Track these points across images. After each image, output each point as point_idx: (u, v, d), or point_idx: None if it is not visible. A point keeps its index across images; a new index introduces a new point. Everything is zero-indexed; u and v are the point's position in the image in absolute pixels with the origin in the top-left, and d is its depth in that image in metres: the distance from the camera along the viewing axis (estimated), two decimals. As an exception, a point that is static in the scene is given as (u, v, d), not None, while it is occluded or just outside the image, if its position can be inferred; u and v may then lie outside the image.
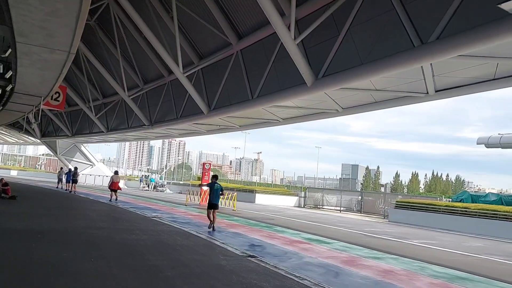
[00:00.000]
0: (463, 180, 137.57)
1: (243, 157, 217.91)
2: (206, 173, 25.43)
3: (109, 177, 23.38)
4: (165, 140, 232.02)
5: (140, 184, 47.14)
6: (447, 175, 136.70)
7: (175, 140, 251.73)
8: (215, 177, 13.33)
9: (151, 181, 47.03)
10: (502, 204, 31.81)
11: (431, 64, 10.78)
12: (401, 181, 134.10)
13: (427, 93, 12.45)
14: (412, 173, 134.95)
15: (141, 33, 22.99)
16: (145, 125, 26.36)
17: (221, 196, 13.53)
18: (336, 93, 14.83)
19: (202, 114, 20.78)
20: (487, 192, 34.53)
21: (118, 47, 23.97)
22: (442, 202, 22.48)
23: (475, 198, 34.46)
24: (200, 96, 20.26)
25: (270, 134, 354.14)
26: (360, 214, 29.79)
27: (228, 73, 18.59)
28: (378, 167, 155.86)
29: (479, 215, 19.04)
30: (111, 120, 31.42)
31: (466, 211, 19.68)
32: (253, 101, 16.91)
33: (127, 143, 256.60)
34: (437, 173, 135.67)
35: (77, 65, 30.68)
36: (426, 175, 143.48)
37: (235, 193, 23.25)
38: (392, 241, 13.66)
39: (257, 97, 16.65)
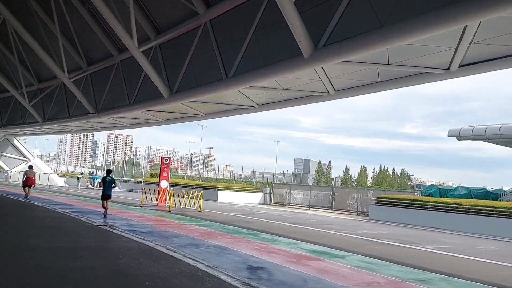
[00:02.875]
0: (408, 173, 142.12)
1: (193, 153, 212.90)
2: (165, 169, 22.06)
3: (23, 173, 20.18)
4: (111, 135, 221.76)
5: (78, 183, 41.10)
6: (393, 169, 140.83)
7: (122, 135, 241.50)
8: (108, 171, 15.29)
9: (94, 179, 41.52)
10: (471, 197, 31.04)
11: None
12: (351, 175, 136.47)
13: (448, 69, 10.13)
14: (361, 167, 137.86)
15: (85, 3, 19.21)
16: (89, 113, 22.47)
17: (113, 188, 14.98)
18: (334, 70, 12.22)
19: (161, 98, 17.40)
20: (455, 186, 33.80)
21: (56, 21, 19.98)
22: (429, 198, 20.71)
23: (443, 192, 33.63)
24: (160, 76, 16.91)
25: (220, 130, 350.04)
26: (332, 212, 27.66)
27: (194, 49, 15.39)
28: (329, 162, 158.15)
29: (472, 212, 17.27)
30: (48, 108, 27.01)
31: (457, 207, 17.88)
32: (228, 81, 13.86)
33: (69, 137, 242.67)
34: (384, 167, 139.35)
35: (6, 44, 26.04)
36: (374, 169, 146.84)
37: (201, 192, 20.10)
38: (405, 248, 11.26)
39: (234, 75, 13.65)
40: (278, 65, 11.72)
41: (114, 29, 16.00)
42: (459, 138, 29.23)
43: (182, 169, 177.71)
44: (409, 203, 20.01)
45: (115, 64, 20.80)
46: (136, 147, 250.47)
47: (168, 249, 8.52)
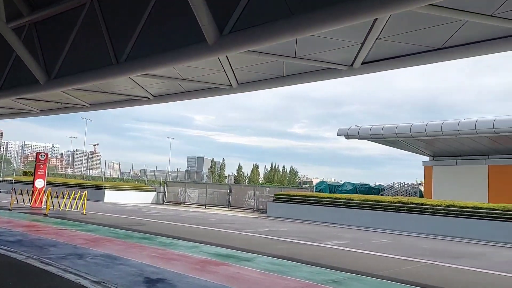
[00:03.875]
0: (296, 171, 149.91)
1: (76, 150, 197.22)
2: (41, 166, 19.28)
3: None
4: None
5: None
6: (283, 167, 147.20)
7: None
8: None
9: None
10: (357, 192, 33.14)
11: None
12: (244, 173, 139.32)
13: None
14: (253, 165, 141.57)
15: None
16: None
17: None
18: (239, 60, 11.47)
19: (36, 84, 14.81)
20: (342, 182, 35.78)
21: None
22: (324, 194, 21.26)
23: (332, 187, 35.37)
24: (35, 59, 14.49)
25: (107, 125, 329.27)
26: (229, 210, 27.12)
27: (78, 30, 13.41)
28: (223, 160, 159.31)
29: (363, 207, 18.06)
30: None
31: (349, 203, 18.56)
32: (118, 67, 12.17)
33: None
34: (275, 165, 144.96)
35: None
36: (265, 166, 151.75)
37: (85, 192, 17.89)
38: (309, 246, 11.00)
39: (126, 61, 12.10)
40: (178, 52, 10.52)
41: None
42: (347, 137, 30.83)
43: (62, 167, 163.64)
44: (305, 199, 20.30)
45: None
46: (7, 143, 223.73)
47: (42, 263, 6.95)
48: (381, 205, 17.45)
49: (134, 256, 7.99)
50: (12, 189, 18.20)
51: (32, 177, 20.63)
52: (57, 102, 18.51)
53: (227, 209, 27.67)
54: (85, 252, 8.15)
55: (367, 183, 34.67)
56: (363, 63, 10.02)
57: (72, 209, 17.54)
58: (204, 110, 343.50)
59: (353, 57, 9.97)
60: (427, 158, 32.82)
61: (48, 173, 20.49)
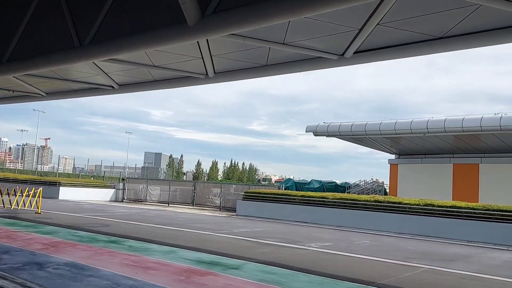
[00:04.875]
0: (255, 168, 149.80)
1: (26, 144, 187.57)
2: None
3: None
4: None
5: None
6: (243, 164, 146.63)
7: None
8: None
9: None
10: (323, 190, 32.92)
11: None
12: (203, 169, 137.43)
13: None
14: (212, 161, 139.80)
15: None
16: None
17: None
18: (219, 46, 10.51)
19: (-15, 69, 13.31)
20: (309, 180, 35.46)
21: None
22: (297, 192, 20.61)
23: (299, 185, 35.01)
24: (-17, 39, 12.83)
25: (59, 119, 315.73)
26: (194, 208, 26.00)
27: (35, 8, 11.96)
28: (181, 156, 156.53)
29: (337, 206, 17.56)
30: None
31: (323, 201, 18.02)
32: (81, 49, 10.87)
33: None
34: (234, 162, 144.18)
35: None
36: (225, 163, 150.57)
37: (40, 188, 16.25)
38: (293, 250, 10.23)
39: (91, 43, 10.80)
40: (153, 33, 9.35)
41: None
42: (316, 133, 30.48)
43: (11, 162, 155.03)
44: (277, 198, 19.59)
45: None
46: None
47: (-6, 276, 5.75)
48: (356, 204, 17.02)
49: (105, 265, 6.89)
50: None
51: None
52: (9, 90, 16.72)
53: (192, 207, 26.54)
54: (46, 261, 6.96)
55: (333, 181, 34.54)
56: (356, 52, 9.32)
57: (26, 208, 15.89)
58: (162, 105, 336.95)
59: (345, 46, 9.23)
60: (392, 156, 33.12)
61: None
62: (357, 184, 34.72)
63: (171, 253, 8.44)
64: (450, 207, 14.15)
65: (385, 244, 12.14)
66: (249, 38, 9.23)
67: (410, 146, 29.70)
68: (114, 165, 55.67)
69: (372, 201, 16.47)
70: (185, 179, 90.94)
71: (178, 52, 10.91)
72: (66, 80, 14.66)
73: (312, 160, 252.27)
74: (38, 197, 15.65)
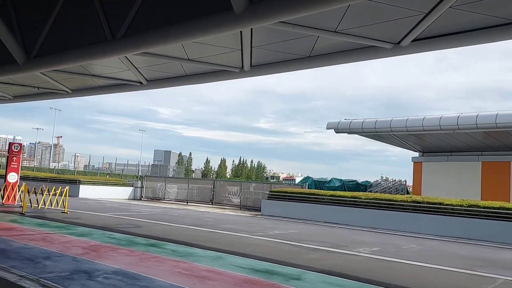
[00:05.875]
0: (264, 165, 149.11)
1: (38, 142, 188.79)
2: (15, 158, 17.00)
3: None
4: None
5: None
6: (251, 161, 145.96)
7: None
8: None
9: None
10: (344, 189, 32.21)
11: None
12: (211, 167, 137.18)
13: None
14: (221, 159, 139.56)
15: None
16: None
17: None
18: (262, 35, 9.86)
19: (13, 65, 12.63)
20: (329, 178, 34.74)
21: None
22: (326, 191, 19.91)
23: (318, 183, 34.32)
24: (12, 34, 12.33)
25: (69, 117, 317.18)
26: (214, 207, 25.47)
27: (63, 2, 11.43)
28: (190, 153, 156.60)
29: (371, 206, 16.85)
30: None
31: (355, 201, 17.33)
32: (114, 43, 10.33)
33: None
34: (243, 159, 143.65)
35: None
36: (233, 161, 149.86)
37: (67, 187, 15.79)
38: (345, 256, 9.60)
39: (124, 36, 10.22)
40: (196, 22, 8.75)
41: None
42: (337, 130, 29.77)
43: (25, 160, 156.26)
44: (305, 197, 18.95)
45: None
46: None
47: (43, 286, 5.21)
48: (392, 204, 16.29)
49: (156, 273, 6.33)
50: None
51: (4, 170, 18.26)
52: (34, 87, 16.32)
53: (211, 206, 26.02)
54: (92, 268, 6.42)
55: (354, 179, 33.79)
56: (415, 40, 8.62)
57: (52, 207, 15.44)
58: (169, 103, 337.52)
59: (404, 33, 8.52)
60: (415, 154, 32.25)
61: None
62: (379, 183, 33.92)
63: (218, 259, 7.86)
64: (498, 208, 13.37)
65: (434, 249, 11.43)
66: (298, 26, 8.56)
67: (436, 143, 28.79)
68: (129, 162, 55.50)
69: (409, 202, 15.76)
70: (194, 176, 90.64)
71: (216, 44, 10.27)
72: (94, 76, 14.16)
73: (319, 157, 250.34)
74: (65, 196, 15.18)
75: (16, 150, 17.17)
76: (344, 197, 17.96)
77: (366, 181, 34.69)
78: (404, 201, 16.05)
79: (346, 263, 8.51)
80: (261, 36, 9.73)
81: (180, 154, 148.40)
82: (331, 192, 19.24)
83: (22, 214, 13.55)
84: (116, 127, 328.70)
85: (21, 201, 14.73)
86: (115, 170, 49.73)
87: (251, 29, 9.19)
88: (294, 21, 8.20)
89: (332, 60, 10.25)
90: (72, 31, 11.43)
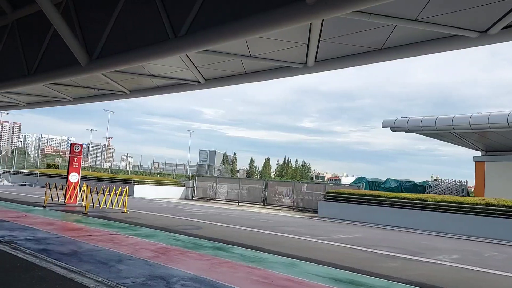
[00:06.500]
0: (309, 165, 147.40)
1: (90, 143, 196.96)
2: (76, 158, 17.43)
3: None
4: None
5: None
6: (296, 161, 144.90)
7: (8, 122, 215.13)
8: None
9: None
10: (401, 190, 30.79)
11: None
12: (256, 167, 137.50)
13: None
14: (265, 159, 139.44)
15: None
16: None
17: None
18: (330, 26, 9.30)
19: (76, 66, 12.72)
20: (385, 179, 33.39)
21: None
22: (389, 193, 18.99)
23: (373, 184, 33.04)
24: (74, 36, 12.47)
25: (118, 119, 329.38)
26: (266, 207, 25.11)
27: (124, 2, 11.40)
28: (234, 153, 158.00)
29: (439, 209, 15.79)
30: None
31: (422, 203, 16.34)
32: (176, 41, 10.11)
33: None
34: (288, 159, 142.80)
35: None
36: (278, 160, 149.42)
37: (126, 188, 15.97)
38: (428, 264, 8.87)
39: (186, 34, 9.99)
40: (261, 16, 8.28)
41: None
42: (394, 129, 28.52)
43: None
44: (365, 199, 18.15)
45: (8, 24, 15.57)
46: (25, 135, 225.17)
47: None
48: (463, 207, 15.19)
49: (233, 281, 5.97)
50: (46, 184, 16.34)
51: (56, 169, 18.75)
52: (94, 89, 16.57)
53: (263, 206, 25.67)
54: (167, 274, 6.16)
55: (411, 180, 32.28)
56: (506, 27, 7.73)
57: (113, 207, 15.65)
58: (213, 104, 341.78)
59: (493, 20, 7.63)
60: (477, 153, 30.34)
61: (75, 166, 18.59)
62: (438, 184, 32.22)
63: (293, 266, 7.40)
64: None
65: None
66: (375, 15, 7.90)
67: (501, 140, 26.86)
68: (168, 162, 56.11)
69: (482, 204, 14.62)
70: (238, 176, 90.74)
71: (281, 38, 9.79)
72: (153, 76, 14.11)
73: (364, 157, 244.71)
74: (125, 196, 15.33)
75: (77, 151, 17.60)
76: (409, 199, 17.00)
77: (424, 181, 33.03)
78: (476, 204, 14.92)
79: (431, 272, 7.79)
80: (330, 28, 9.16)
81: (225, 154, 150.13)
82: (394, 194, 18.30)
83: (85, 214, 13.76)
84: (162, 128, 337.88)
85: (83, 201, 14.99)
86: (164, 170, 50.51)
87: (322, 20, 8.65)
88: (371, 9, 7.59)
89: (407, 52, 9.46)
90: (134, 31, 11.34)
